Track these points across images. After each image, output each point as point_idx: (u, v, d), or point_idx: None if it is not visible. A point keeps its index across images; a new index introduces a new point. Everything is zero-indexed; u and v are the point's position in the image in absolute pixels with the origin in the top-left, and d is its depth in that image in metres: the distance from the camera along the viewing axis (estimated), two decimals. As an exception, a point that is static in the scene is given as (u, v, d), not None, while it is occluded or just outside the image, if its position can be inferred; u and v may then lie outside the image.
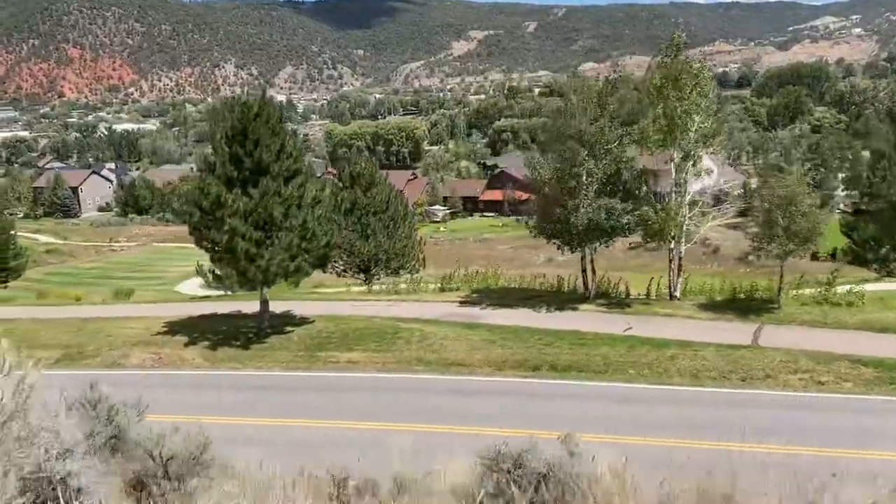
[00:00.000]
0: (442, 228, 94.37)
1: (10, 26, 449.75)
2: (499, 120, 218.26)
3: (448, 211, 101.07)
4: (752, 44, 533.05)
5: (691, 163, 20.64)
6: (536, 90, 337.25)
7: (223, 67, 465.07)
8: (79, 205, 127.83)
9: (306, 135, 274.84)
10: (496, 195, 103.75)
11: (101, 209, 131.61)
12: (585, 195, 21.13)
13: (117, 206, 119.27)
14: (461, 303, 24.25)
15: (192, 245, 74.09)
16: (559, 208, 21.43)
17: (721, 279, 26.77)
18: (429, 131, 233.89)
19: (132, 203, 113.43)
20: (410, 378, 18.07)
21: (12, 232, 38.00)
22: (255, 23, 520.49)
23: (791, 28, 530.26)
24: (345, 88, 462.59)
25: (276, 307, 24.36)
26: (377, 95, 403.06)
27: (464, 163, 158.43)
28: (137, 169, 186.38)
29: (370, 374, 18.78)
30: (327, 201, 23.29)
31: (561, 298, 23.56)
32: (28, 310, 28.09)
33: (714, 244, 68.02)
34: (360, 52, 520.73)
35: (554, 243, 22.71)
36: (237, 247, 20.05)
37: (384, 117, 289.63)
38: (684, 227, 21.06)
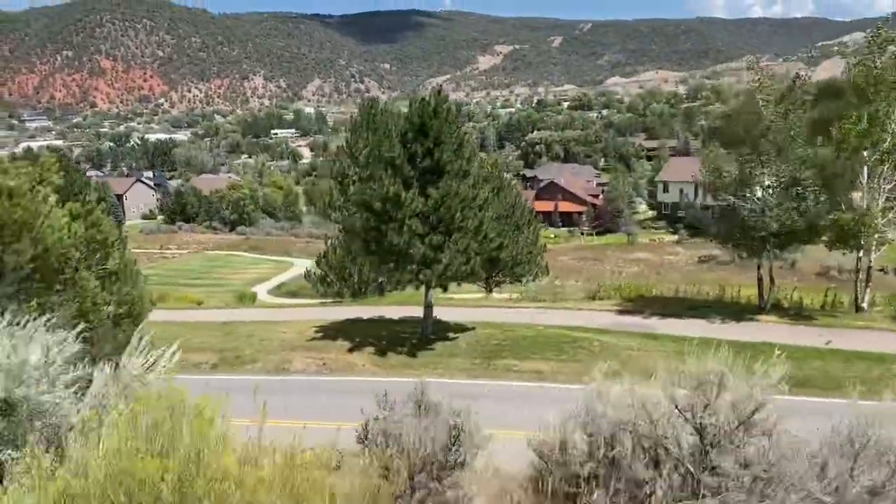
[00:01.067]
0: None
1: (44, 38, 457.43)
2: (531, 132, 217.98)
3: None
4: (781, 60, 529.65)
5: (887, 166, 19.51)
6: (565, 104, 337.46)
7: (252, 79, 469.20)
8: (123, 212, 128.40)
9: (340, 146, 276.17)
10: (546, 206, 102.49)
11: (144, 217, 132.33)
12: (770, 197, 20.04)
13: (163, 214, 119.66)
14: (620, 312, 23.20)
15: (244, 253, 73.47)
16: (740, 211, 20.33)
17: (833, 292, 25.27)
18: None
19: (179, 211, 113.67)
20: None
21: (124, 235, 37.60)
22: (284, 36, 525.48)
23: (819, 44, 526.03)
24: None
25: (413, 312, 23.49)
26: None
27: (505, 175, 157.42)
28: (171, 178, 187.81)
29: (563, 384, 17.76)
30: (496, 203, 22.42)
31: (731, 309, 22.40)
32: (156, 313, 27.35)
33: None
34: (387, 65, 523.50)
35: (733, 250, 21.59)
36: (414, 250, 19.18)
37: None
38: (876, 234, 19.91)
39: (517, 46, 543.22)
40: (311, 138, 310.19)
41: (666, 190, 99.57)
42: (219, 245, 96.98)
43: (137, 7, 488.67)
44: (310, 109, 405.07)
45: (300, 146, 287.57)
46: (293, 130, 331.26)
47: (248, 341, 22.12)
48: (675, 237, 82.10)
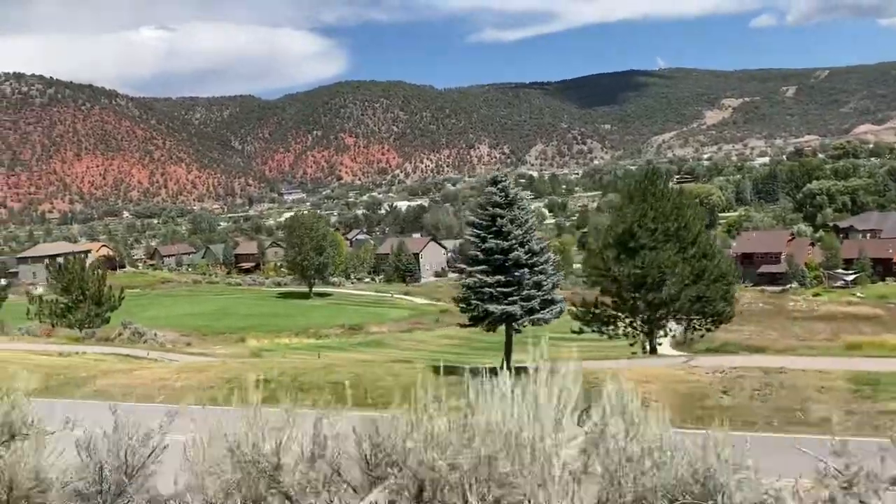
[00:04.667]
0: (859, 295, 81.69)
1: (298, 120, 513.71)
2: (809, 182, 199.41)
3: (855, 274, 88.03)
4: None
5: None
6: (819, 154, 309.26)
7: (478, 148, 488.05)
8: (419, 270, 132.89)
9: (584, 205, 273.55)
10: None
11: (436, 274, 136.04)
12: None
13: (456, 271, 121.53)
14: None
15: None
16: None
17: None
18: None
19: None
20: None
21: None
22: (505, 105, 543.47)
23: None
24: (595, 162, 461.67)
25: None
26: (632, 167, 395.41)
27: (801, 226, 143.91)
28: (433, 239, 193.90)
29: None
30: None
31: None
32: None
33: None
34: (607, 126, 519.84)
35: None
36: None
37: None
38: None
39: (747, 99, 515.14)
40: (546, 199, 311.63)
41: None
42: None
43: (374, 88, 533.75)
44: (533, 172, 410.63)
45: (540, 207, 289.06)
46: (528, 193, 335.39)
47: None
48: None
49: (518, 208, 23.27)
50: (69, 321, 44.15)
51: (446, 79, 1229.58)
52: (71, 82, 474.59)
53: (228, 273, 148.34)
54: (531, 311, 22.46)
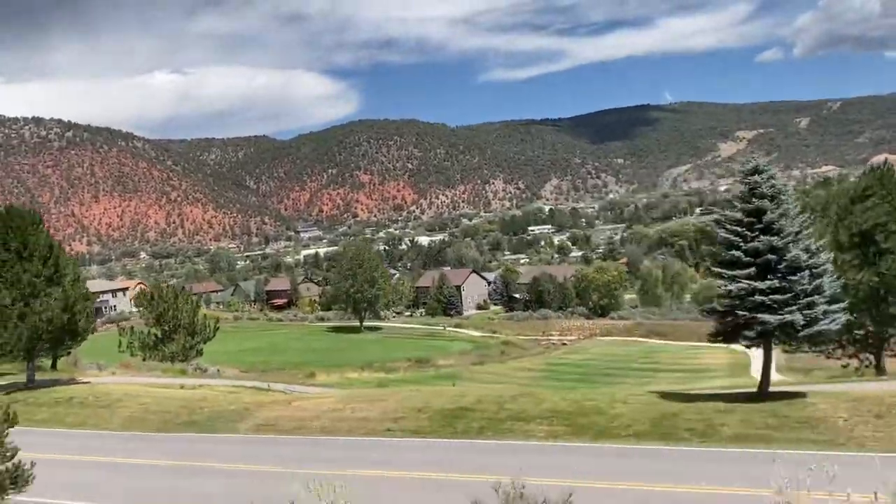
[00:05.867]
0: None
1: (313, 159, 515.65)
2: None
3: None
4: None
5: None
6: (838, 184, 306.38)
7: (493, 183, 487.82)
8: (461, 302, 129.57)
9: (611, 237, 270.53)
10: None
11: (478, 307, 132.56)
12: None
13: (498, 303, 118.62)
14: None
15: (645, 339, 65.06)
16: None
17: None
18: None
19: (535, 299, 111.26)
20: None
21: None
22: (517, 141, 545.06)
23: None
24: (611, 196, 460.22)
25: None
26: (645, 200, 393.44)
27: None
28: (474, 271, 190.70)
29: None
30: None
31: None
32: None
33: None
34: (621, 160, 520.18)
35: None
36: None
37: (679, 218, 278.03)
38: None
39: (761, 130, 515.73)
40: (569, 232, 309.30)
41: None
42: (608, 331, 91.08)
43: (388, 126, 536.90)
44: (548, 206, 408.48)
45: (563, 240, 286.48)
46: (549, 226, 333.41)
47: None
48: None
49: (787, 201, 19.71)
50: (162, 353, 41.16)
51: (459, 117, 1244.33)
52: (89, 125, 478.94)
53: (261, 310, 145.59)
54: (812, 322, 18.83)
